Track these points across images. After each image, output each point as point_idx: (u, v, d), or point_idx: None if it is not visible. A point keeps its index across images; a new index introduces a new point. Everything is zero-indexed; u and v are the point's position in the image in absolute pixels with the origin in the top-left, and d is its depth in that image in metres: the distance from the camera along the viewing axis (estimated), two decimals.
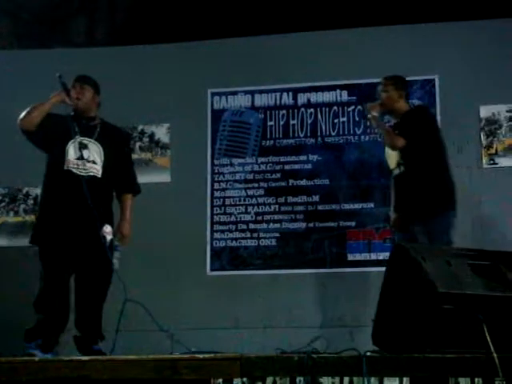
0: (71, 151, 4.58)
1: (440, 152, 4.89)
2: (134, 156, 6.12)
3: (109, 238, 4.54)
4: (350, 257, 6.05)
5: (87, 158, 4.59)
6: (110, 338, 4.50)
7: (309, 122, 6.33)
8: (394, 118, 5.07)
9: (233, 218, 6.26)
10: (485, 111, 6.05)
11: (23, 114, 4.57)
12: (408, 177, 4.82)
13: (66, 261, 4.48)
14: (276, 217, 6.21)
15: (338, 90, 6.32)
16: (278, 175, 6.27)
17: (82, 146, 4.60)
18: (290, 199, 6.22)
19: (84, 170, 4.57)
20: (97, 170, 4.62)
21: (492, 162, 5.98)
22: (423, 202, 4.75)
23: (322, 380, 3.05)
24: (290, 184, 6.25)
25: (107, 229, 4.55)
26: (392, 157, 4.92)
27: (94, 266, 4.54)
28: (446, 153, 4.96)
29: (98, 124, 4.74)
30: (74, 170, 4.55)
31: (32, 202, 6.44)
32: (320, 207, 6.18)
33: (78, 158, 4.57)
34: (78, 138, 4.60)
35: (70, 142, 4.60)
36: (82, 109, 4.70)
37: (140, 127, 6.49)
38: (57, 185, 4.58)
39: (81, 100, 4.69)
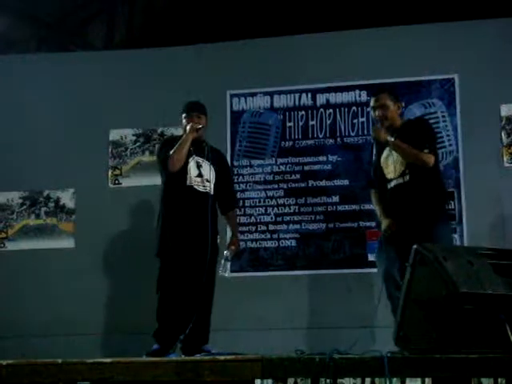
0: (192, 169, 5.00)
1: (437, 161, 4.90)
2: None
3: (225, 251, 5.02)
4: (371, 257, 6.02)
5: (204, 176, 5.00)
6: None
7: (328, 122, 6.32)
8: (391, 131, 4.91)
9: (253, 219, 6.26)
10: (506, 110, 6.01)
11: (173, 158, 4.90)
12: (413, 186, 4.77)
13: (186, 273, 4.86)
14: (296, 218, 6.20)
15: (357, 91, 6.30)
16: (298, 176, 6.27)
17: (199, 166, 5.03)
18: (310, 200, 6.21)
19: (203, 187, 5.01)
20: (210, 187, 5.04)
21: None
22: (428, 211, 4.73)
23: (343, 381, 3.04)
24: (310, 185, 6.24)
25: (219, 240, 5.09)
26: (396, 165, 4.83)
27: (208, 276, 4.90)
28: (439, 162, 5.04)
29: (205, 145, 5.11)
30: (195, 187, 4.98)
31: (53, 204, 6.48)
32: (340, 208, 6.16)
33: (197, 176, 5.01)
34: (195, 158, 5.02)
35: (189, 160, 4.99)
36: (200, 135, 5.07)
37: (159, 130, 6.49)
38: (180, 200, 4.95)
39: (201, 129, 5.06)
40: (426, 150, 4.71)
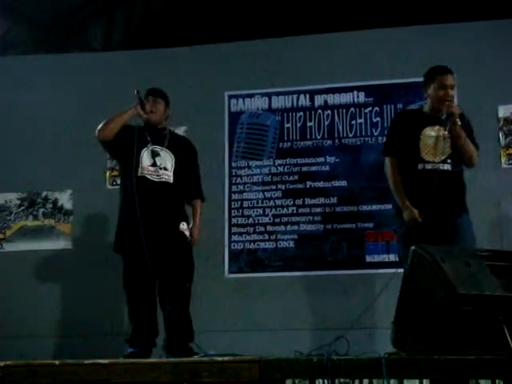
0: (145, 159, 4.83)
1: None
2: None
3: (187, 233, 4.84)
4: (369, 258, 6.04)
5: (159, 165, 4.84)
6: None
7: (326, 123, 6.32)
8: (437, 114, 4.81)
9: (250, 221, 6.26)
10: (503, 111, 6.02)
11: (101, 125, 4.83)
12: (451, 175, 4.73)
13: (149, 266, 4.65)
14: (294, 219, 6.20)
15: (355, 92, 6.31)
16: (296, 177, 6.27)
17: (155, 154, 4.86)
18: (308, 201, 6.21)
19: (157, 176, 4.82)
20: (168, 176, 4.85)
21: (511, 161, 5.95)
22: (459, 203, 4.74)
23: (341, 382, 3.04)
24: (308, 186, 6.24)
25: (183, 225, 4.84)
26: (445, 150, 4.72)
27: (178, 265, 4.77)
28: None
29: (167, 133, 4.99)
30: (148, 176, 4.80)
31: (51, 205, 6.48)
32: (338, 209, 6.16)
33: (151, 165, 4.83)
34: (151, 147, 4.87)
35: (143, 150, 4.85)
36: (154, 121, 4.94)
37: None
38: (132, 191, 4.78)
39: (155, 113, 4.92)
40: (478, 152, 4.71)
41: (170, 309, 4.68)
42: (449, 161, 4.73)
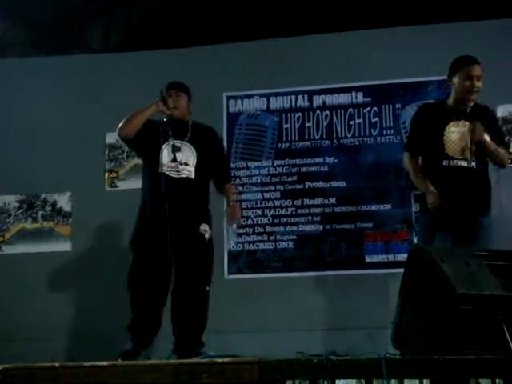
0: (165, 154, 4.71)
1: None
2: None
3: (207, 236, 4.73)
4: (368, 258, 6.03)
5: (180, 161, 4.72)
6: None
7: (324, 124, 6.32)
8: (464, 106, 4.74)
9: (250, 222, 6.25)
10: (502, 110, 6.01)
11: (123, 122, 4.73)
12: (476, 173, 4.66)
13: (165, 266, 4.65)
14: (293, 219, 6.20)
15: (354, 92, 6.31)
16: (295, 178, 6.27)
17: (176, 149, 4.74)
18: (307, 202, 6.21)
19: (176, 172, 4.70)
20: (189, 171, 4.74)
21: (510, 161, 5.94)
22: (483, 202, 4.70)
23: (341, 383, 3.04)
24: (307, 186, 6.24)
25: (204, 227, 4.72)
26: (472, 148, 4.61)
27: (197, 268, 4.67)
28: None
29: (189, 126, 4.87)
30: (168, 173, 4.68)
31: (50, 208, 6.48)
32: (337, 209, 6.16)
33: (171, 161, 4.71)
34: (172, 141, 4.75)
35: (163, 146, 4.73)
36: (178, 116, 4.84)
37: None
38: (152, 188, 4.71)
39: (178, 109, 4.83)
40: (509, 152, 4.67)
41: (183, 315, 4.66)
42: (473, 158, 4.64)
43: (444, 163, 4.70)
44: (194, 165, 4.77)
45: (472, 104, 4.72)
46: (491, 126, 4.72)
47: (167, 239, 4.58)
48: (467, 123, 4.66)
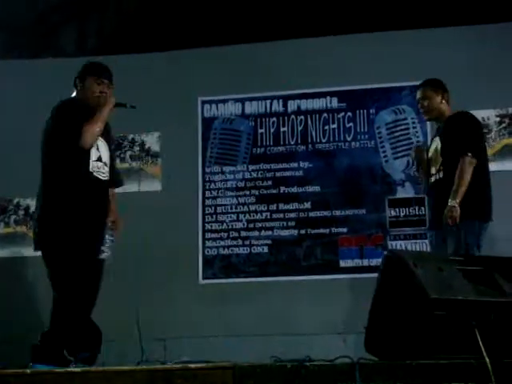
0: (93, 152, 4.28)
1: (480, 159, 4.73)
2: (125, 165, 6.19)
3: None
4: (342, 263, 6.05)
5: (103, 160, 4.34)
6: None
7: (299, 129, 6.34)
8: (439, 123, 4.95)
9: (224, 226, 6.25)
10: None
11: (88, 134, 4.15)
12: (446, 182, 4.67)
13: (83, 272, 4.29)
14: (268, 224, 6.21)
15: (328, 97, 6.33)
16: (269, 182, 6.28)
17: (98, 147, 4.30)
18: (282, 206, 6.22)
19: (103, 174, 4.31)
20: (108, 173, 4.39)
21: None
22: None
23: None
24: (282, 191, 6.25)
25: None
26: (435, 162, 4.80)
27: (96, 270, 4.37)
28: (486, 160, 4.86)
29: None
30: (96, 174, 4.27)
31: (23, 212, 6.43)
32: (311, 214, 6.18)
33: (97, 160, 4.28)
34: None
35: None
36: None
37: (130, 136, 6.48)
38: (79, 191, 4.23)
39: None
40: (469, 154, 4.61)
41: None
42: (441, 167, 4.76)
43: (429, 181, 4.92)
44: (109, 165, 4.42)
45: (444, 119, 4.87)
46: (450, 136, 4.76)
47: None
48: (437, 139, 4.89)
